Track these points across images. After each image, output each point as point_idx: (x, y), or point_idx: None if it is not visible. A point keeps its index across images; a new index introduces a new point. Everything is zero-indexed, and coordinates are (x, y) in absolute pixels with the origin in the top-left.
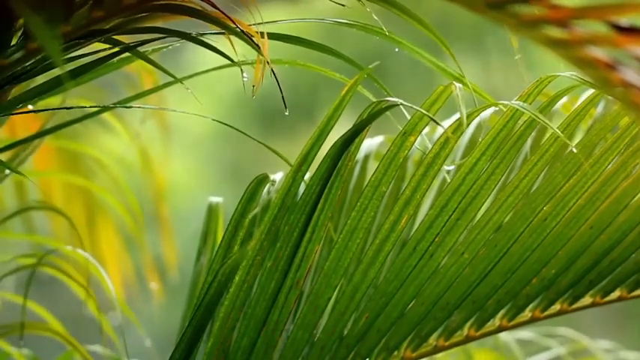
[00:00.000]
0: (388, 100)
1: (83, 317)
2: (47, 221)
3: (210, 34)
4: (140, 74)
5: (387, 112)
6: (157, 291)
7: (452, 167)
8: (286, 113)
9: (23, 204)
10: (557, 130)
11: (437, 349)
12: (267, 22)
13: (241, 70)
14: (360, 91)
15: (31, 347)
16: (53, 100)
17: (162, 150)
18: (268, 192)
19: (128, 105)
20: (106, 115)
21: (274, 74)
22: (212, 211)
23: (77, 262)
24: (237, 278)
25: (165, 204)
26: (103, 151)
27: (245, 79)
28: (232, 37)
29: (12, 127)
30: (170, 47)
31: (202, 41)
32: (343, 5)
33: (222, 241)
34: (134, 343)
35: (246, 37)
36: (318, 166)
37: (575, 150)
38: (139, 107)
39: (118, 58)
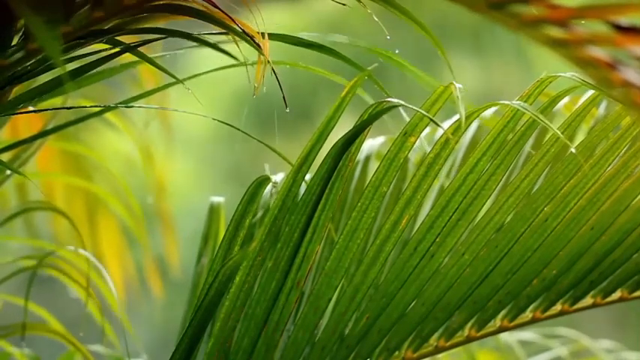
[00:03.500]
0: (389, 101)
1: (85, 316)
2: (49, 221)
3: (212, 34)
4: (143, 73)
5: (390, 113)
6: (158, 291)
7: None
8: (287, 110)
9: (25, 204)
10: (557, 132)
11: (438, 350)
12: (269, 25)
13: (247, 69)
14: (360, 92)
15: (32, 347)
16: (56, 100)
17: (165, 148)
18: (270, 193)
19: (129, 105)
20: (108, 114)
21: (275, 74)
22: (213, 211)
23: (79, 261)
24: (237, 279)
25: (167, 202)
26: (106, 150)
27: (247, 79)
28: (233, 38)
29: (15, 128)
30: (175, 53)
31: (204, 41)
32: (344, 4)
33: (222, 241)
34: (136, 342)
35: (247, 37)
36: (319, 166)
37: (574, 151)
38: (139, 107)
39: (118, 59)
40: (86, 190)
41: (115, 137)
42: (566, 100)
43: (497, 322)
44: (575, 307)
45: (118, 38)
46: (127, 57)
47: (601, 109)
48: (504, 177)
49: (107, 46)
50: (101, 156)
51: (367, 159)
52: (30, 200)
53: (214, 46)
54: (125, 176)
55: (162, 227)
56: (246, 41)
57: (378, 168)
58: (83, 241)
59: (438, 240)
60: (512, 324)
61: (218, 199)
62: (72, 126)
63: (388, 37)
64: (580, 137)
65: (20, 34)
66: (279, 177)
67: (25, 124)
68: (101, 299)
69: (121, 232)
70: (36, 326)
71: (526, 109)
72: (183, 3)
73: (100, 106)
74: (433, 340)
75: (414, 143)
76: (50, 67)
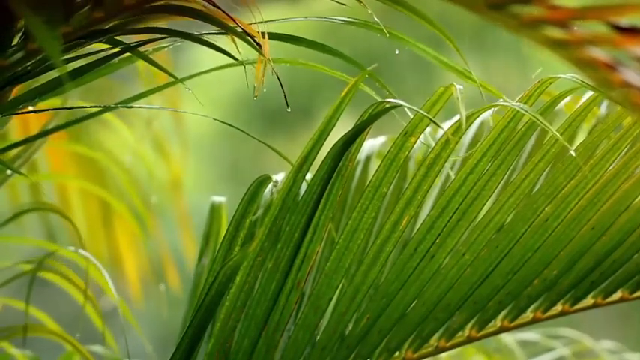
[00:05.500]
0: (389, 101)
1: (89, 316)
2: (65, 221)
3: (211, 34)
4: (145, 71)
5: (389, 113)
6: (176, 288)
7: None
8: (288, 110)
9: (38, 204)
10: (556, 134)
11: (438, 350)
12: (267, 22)
13: (245, 68)
14: (360, 91)
15: (33, 348)
16: (59, 99)
17: (180, 143)
18: (271, 193)
19: (129, 105)
20: (118, 111)
21: (276, 74)
22: (214, 211)
23: (85, 261)
24: (238, 279)
25: (181, 199)
26: (118, 143)
27: (247, 79)
28: (232, 37)
29: (26, 128)
30: (171, 47)
31: (204, 41)
32: (344, 4)
33: (222, 241)
34: (137, 342)
35: (247, 37)
36: (319, 166)
37: (574, 154)
38: (139, 107)
39: (120, 57)
40: (100, 187)
41: (126, 130)
42: (568, 99)
43: (497, 322)
44: (576, 307)
45: (118, 37)
46: (127, 56)
47: (602, 109)
48: (505, 177)
49: (108, 45)
50: (114, 148)
51: (368, 159)
52: (44, 199)
53: (214, 47)
54: (138, 172)
55: (178, 223)
56: (246, 42)
57: (378, 168)
58: (81, 240)
59: (438, 240)
60: (512, 324)
61: (219, 198)
62: (75, 125)
63: (388, 37)
64: (582, 136)
65: (20, 34)
66: (279, 177)
67: (36, 122)
68: (106, 298)
69: (136, 228)
70: (37, 328)
71: (526, 111)
72: (183, 3)
73: (99, 107)
74: (434, 341)
75: (415, 143)
76: (50, 67)
